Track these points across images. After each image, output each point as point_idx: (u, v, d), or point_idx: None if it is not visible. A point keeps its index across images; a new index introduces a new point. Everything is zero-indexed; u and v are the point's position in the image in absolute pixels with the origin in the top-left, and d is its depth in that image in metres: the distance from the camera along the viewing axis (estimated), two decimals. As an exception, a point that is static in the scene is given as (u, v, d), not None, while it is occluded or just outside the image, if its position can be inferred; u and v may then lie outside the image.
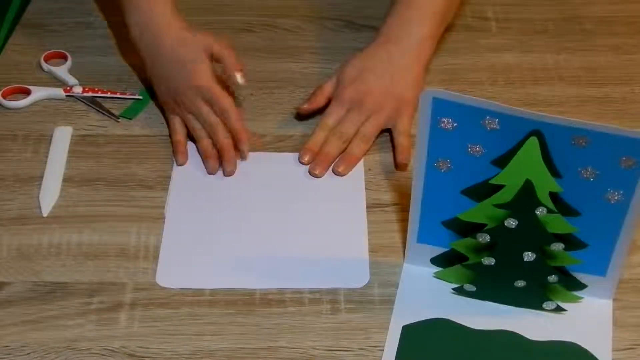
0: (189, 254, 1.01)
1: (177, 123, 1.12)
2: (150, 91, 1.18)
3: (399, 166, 1.10)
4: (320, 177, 1.09)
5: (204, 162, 1.10)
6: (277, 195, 1.07)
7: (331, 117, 1.12)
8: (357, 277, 0.98)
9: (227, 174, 1.09)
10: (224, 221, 1.04)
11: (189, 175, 1.09)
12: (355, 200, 1.06)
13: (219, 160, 1.10)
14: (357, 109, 1.11)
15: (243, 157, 1.10)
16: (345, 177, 1.09)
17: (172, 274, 0.99)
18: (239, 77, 1.09)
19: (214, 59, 1.10)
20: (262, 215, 1.05)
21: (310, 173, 1.09)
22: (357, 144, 1.11)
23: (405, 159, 1.09)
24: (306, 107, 1.14)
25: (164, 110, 1.15)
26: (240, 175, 1.09)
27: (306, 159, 1.10)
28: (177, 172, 1.10)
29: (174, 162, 1.11)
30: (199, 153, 1.11)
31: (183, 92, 1.09)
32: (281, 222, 1.04)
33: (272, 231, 1.03)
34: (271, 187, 1.08)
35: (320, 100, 1.14)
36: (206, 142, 1.10)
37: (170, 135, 1.13)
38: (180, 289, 0.97)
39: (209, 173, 1.09)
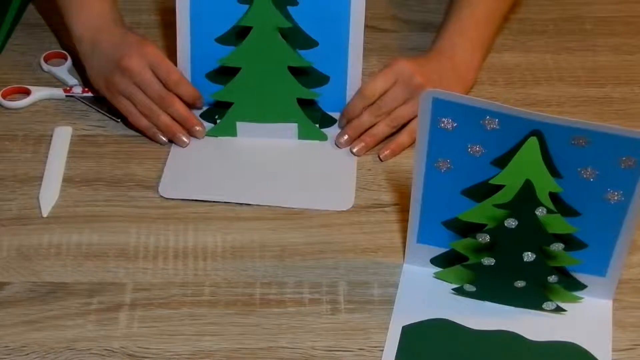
0: (189, 170, 1.09)
1: (127, 103, 1.11)
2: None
3: (381, 158, 1.10)
4: (359, 155, 1.11)
5: (173, 139, 1.11)
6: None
7: (377, 85, 1.10)
8: (343, 201, 1.05)
9: (199, 137, 1.12)
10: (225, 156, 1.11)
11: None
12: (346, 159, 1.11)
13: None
14: (404, 84, 1.09)
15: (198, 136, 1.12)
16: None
17: (173, 187, 1.06)
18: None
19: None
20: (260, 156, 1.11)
21: (341, 146, 1.11)
22: (384, 125, 1.11)
23: (389, 155, 1.10)
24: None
25: (105, 96, 1.13)
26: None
27: (343, 123, 1.12)
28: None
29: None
30: (160, 130, 1.11)
31: (128, 60, 1.08)
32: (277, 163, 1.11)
33: (269, 163, 1.11)
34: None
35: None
36: (164, 117, 1.10)
37: (131, 122, 1.12)
38: (182, 200, 1.05)
39: (183, 146, 1.11)
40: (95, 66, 1.13)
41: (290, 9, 1.08)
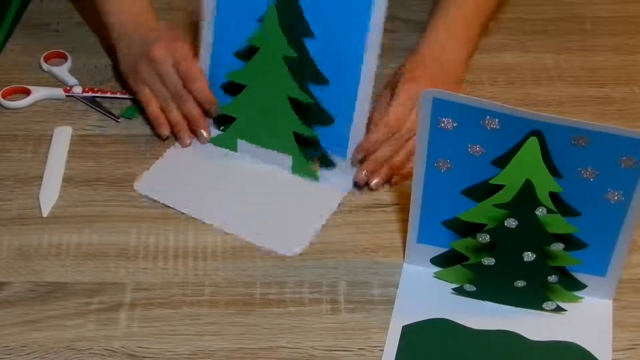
0: (173, 174, 1.08)
1: (147, 92, 1.12)
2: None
3: (392, 183, 1.07)
4: (376, 189, 1.06)
5: (177, 136, 1.11)
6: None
7: (399, 115, 1.05)
8: (293, 246, 1.02)
9: (202, 142, 1.11)
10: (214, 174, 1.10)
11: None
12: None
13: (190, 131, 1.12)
14: None
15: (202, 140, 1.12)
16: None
17: (149, 185, 1.06)
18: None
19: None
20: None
21: (361, 182, 1.06)
22: (404, 155, 1.06)
23: (401, 181, 1.06)
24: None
25: (129, 84, 1.14)
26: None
27: (358, 158, 1.06)
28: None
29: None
30: (169, 124, 1.12)
31: (155, 50, 1.09)
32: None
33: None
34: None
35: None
36: (175, 113, 1.11)
37: (144, 108, 1.13)
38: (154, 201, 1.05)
39: (184, 146, 1.11)
40: (125, 54, 1.14)
41: (306, 40, 1.04)
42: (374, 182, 1.06)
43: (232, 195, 1.07)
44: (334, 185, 1.07)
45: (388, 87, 1.10)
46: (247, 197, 1.07)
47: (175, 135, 1.12)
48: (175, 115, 1.11)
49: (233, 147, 1.11)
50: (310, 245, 1.02)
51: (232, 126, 1.10)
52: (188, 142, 1.11)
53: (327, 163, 1.08)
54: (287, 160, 1.08)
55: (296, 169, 1.08)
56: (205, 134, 1.11)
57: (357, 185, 1.06)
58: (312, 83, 1.05)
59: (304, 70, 1.05)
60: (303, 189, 1.07)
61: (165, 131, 1.12)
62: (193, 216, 1.04)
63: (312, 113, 1.06)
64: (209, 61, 1.11)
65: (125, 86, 1.18)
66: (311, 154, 1.08)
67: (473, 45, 1.17)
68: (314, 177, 1.07)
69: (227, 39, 1.08)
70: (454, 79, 1.13)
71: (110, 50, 1.21)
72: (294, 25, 1.03)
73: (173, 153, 1.12)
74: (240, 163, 1.10)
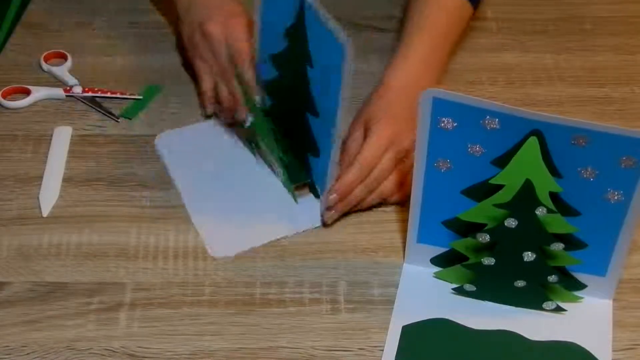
0: (225, 223, 1.05)
1: (202, 66, 1.12)
2: (150, 91, 1.18)
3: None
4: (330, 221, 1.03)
5: (220, 109, 1.13)
6: None
7: (374, 155, 1.01)
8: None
9: (240, 119, 1.10)
10: (233, 178, 1.09)
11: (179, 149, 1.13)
12: None
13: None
14: (393, 152, 1.02)
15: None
16: None
17: (221, 243, 1.02)
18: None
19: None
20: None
21: (327, 219, 1.03)
22: (372, 199, 1.04)
23: (330, 199, 1.02)
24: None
25: (187, 56, 1.15)
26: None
27: (333, 199, 1.01)
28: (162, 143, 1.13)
29: (161, 154, 1.12)
30: (220, 99, 1.12)
31: (210, 26, 1.09)
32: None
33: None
34: None
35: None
36: (223, 90, 1.11)
37: (198, 82, 1.14)
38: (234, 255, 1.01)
39: (225, 123, 1.13)
40: (187, 22, 1.14)
41: (309, 70, 1.01)
42: (328, 217, 1.03)
43: (223, 186, 1.08)
44: (308, 213, 1.05)
45: (360, 120, 1.05)
46: (232, 192, 1.07)
47: (218, 111, 1.13)
48: (223, 91, 1.11)
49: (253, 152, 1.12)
50: (310, 245, 1.02)
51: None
52: (229, 120, 1.12)
53: (315, 192, 1.06)
54: (281, 174, 1.08)
55: (285, 185, 1.08)
56: (242, 114, 1.10)
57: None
58: (310, 112, 1.03)
59: (308, 95, 1.02)
60: (284, 205, 1.06)
61: (208, 110, 1.13)
62: (180, 192, 1.06)
63: (305, 140, 1.05)
64: (259, 40, 1.08)
65: (184, 58, 1.19)
66: (305, 177, 1.07)
67: (443, 69, 1.14)
68: (294, 199, 1.06)
69: (269, 21, 1.06)
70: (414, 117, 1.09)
71: (175, 24, 1.21)
72: (300, 51, 1.01)
73: (205, 127, 1.14)
74: (252, 160, 1.11)
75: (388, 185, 1.03)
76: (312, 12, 0.96)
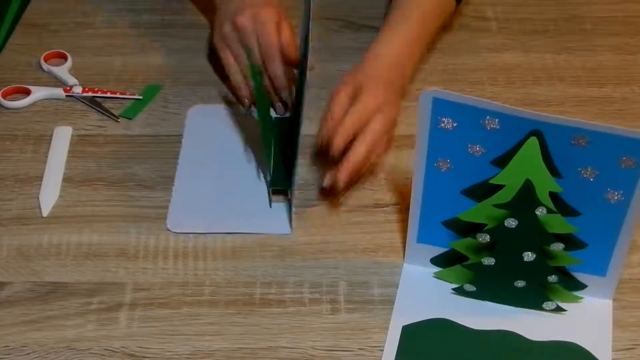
0: (196, 203, 1.06)
1: (229, 57, 1.13)
2: (150, 91, 1.18)
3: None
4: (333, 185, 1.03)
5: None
6: None
7: (357, 116, 1.02)
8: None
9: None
10: (229, 174, 1.10)
11: (198, 135, 1.14)
12: None
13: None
14: (382, 116, 1.04)
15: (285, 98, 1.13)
16: None
17: (181, 220, 1.04)
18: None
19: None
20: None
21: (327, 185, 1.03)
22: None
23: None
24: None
25: (215, 45, 1.15)
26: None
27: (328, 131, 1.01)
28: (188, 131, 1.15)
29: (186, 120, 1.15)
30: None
31: (241, 18, 1.10)
32: None
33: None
34: None
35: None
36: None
37: (226, 72, 1.15)
38: (189, 234, 1.02)
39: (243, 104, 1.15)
40: (222, 11, 1.14)
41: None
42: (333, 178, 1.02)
43: (216, 168, 1.10)
44: (276, 220, 1.05)
45: (347, 85, 1.05)
46: (221, 176, 1.09)
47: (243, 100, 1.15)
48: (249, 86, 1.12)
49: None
50: (310, 245, 1.02)
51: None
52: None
53: (290, 205, 1.05)
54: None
55: (266, 187, 1.07)
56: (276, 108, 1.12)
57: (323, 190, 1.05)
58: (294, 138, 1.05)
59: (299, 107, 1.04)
60: (259, 205, 1.06)
61: (244, 99, 1.14)
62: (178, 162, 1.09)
63: (293, 152, 1.04)
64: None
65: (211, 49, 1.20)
66: (285, 185, 1.06)
67: (427, 48, 1.18)
68: (269, 202, 1.06)
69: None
70: (400, 92, 1.11)
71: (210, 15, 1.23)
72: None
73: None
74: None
75: (377, 149, 1.04)
76: None
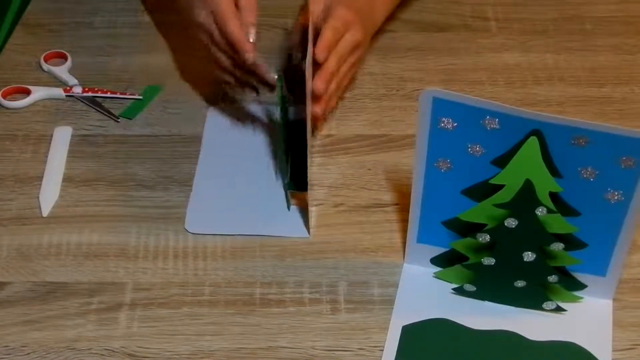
0: (214, 204, 1.06)
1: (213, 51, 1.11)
2: (150, 91, 1.18)
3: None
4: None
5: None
6: None
7: (330, 33, 1.06)
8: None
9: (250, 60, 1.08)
10: (246, 175, 1.10)
11: (218, 134, 1.15)
12: None
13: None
14: (351, 33, 1.09)
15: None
16: None
17: (200, 221, 1.04)
18: (251, 35, 1.07)
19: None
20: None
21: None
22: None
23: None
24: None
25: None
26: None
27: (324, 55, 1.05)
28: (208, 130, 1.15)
29: (206, 121, 1.15)
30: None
31: (198, 17, 1.08)
32: None
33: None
34: None
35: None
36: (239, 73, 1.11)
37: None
38: (189, 233, 1.03)
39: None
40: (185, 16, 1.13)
41: None
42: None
43: (237, 170, 1.10)
44: (294, 223, 1.05)
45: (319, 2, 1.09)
46: (241, 178, 1.09)
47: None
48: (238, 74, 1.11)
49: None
50: (310, 245, 1.02)
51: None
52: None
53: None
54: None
55: (284, 190, 1.07)
56: (250, 55, 1.07)
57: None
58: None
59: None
60: (278, 208, 1.06)
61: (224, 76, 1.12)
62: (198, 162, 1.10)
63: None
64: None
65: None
66: (303, 188, 1.05)
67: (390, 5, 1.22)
68: (287, 205, 1.06)
69: None
70: (368, 23, 1.15)
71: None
72: None
73: (257, 109, 1.17)
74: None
75: (344, 68, 1.09)
76: None
